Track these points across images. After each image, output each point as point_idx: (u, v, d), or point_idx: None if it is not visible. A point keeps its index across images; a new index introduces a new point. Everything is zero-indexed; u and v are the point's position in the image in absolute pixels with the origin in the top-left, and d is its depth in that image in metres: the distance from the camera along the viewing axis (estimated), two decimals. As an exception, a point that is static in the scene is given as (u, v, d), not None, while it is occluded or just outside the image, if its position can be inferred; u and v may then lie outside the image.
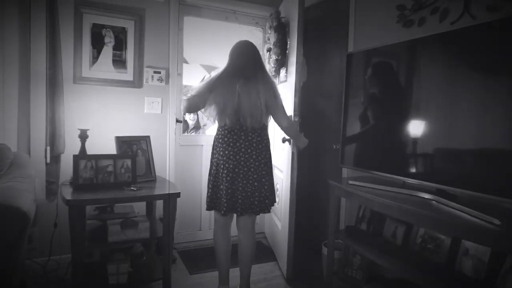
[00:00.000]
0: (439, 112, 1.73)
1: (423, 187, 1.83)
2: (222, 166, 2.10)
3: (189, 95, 2.19)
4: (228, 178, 2.07)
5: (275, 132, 3.09)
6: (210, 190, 2.16)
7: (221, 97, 2.06)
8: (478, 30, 1.54)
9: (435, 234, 1.77)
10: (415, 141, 1.84)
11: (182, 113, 2.51)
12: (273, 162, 2.69)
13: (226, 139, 2.10)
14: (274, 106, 2.11)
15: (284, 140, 2.51)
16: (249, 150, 2.10)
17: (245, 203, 2.09)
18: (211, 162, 2.20)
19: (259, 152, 2.12)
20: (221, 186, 2.10)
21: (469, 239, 1.53)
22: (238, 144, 2.09)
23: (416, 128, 1.83)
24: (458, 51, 1.65)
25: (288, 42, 2.65)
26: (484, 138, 1.53)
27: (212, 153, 2.20)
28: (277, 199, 2.67)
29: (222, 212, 2.10)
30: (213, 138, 2.23)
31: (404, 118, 1.91)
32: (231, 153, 2.08)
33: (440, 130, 1.72)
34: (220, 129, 2.15)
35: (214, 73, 2.22)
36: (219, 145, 2.13)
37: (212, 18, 3.19)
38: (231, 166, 2.08)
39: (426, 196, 1.75)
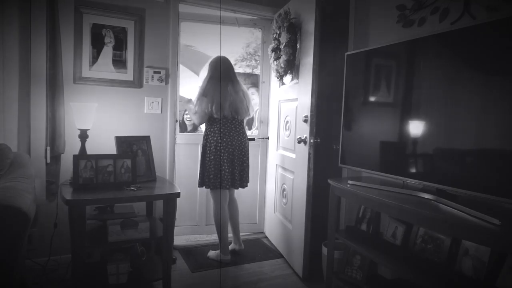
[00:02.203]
0: (439, 112, 1.73)
1: (423, 187, 1.83)
2: (222, 151, 2.66)
3: (192, 107, 2.78)
4: (229, 160, 2.68)
5: (278, 136, 3.11)
6: (212, 173, 2.66)
7: (219, 96, 2.63)
8: (478, 30, 1.54)
9: (435, 234, 1.77)
10: (415, 141, 1.85)
11: (198, 124, 2.87)
12: (278, 163, 3.09)
13: (222, 129, 2.70)
14: (250, 103, 2.84)
15: (299, 141, 2.53)
16: (239, 137, 2.75)
17: (240, 179, 2.75)
18: (209, 150, 2.69)
19: (245, 140, 2.81)
20: (223, 167, 2.65)
21: (469, 239, 1.53)
22: (232, 133, 2.72)
23: (416, 128, 1.83)
24: (458, 51, 1.65)
25: (299, 43, 2.65)
26: (484, 138, 1.53)
27: (207, 142, 2.71)
28: (284, 200, 2.93)
29: (227, 187, 2.69)
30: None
31: (404, 118, 1.91)
32: (229, 139, 2.69)
33: (440, 130, 1.72)
34: (215, 124, 2.70)
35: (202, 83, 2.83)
36: (216, 135, 2.68)
37: (210, 22, 3.23)
38: (230, 150, 2.69)
39: (426, 196, 1.75)
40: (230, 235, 2.89)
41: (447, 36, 1.68)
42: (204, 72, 4.28)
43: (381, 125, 2.07)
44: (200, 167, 2.77)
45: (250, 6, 3.13)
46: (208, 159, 2.69)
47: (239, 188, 2.83)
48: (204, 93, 2.68)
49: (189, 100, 2.91)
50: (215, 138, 2.68)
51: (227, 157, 2.67)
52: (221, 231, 2.73)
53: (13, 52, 2.26)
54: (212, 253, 2.85)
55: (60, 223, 2.45)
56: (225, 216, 2.76)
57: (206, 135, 2.75)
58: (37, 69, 2.36)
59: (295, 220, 2.69)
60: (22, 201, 1.45)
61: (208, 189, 2.79)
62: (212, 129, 2.71)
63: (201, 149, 2.80)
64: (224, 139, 2.68)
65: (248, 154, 2.82)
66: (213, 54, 2.85)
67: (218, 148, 2.66)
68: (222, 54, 2.83)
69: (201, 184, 2.76)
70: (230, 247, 2.90)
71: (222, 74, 2.72)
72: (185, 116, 3.65)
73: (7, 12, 2.21)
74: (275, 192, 3.15)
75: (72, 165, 2.12)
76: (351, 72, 2.27)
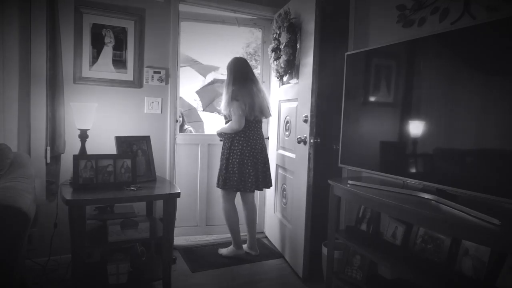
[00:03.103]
0: (439, 112, 1.73)
1: (423, 187, 1.83)
2: (247, 154, 2.67)
3: (225, 115, 2.75)
4: (253, 163, 2.68)
5: (278, 136, 3.11)
6: (236, 176, 2.66)
7: (249, 98, 2.65)
8: (478, 30, 1.54)
9: (435, 234, 1.77)
10: (415, 141, 1.85)
11: (238, 129, 2.66)
12: (278, 163, 3.16)
13: (247, 133, 2.69)
14: (269, 102, 2.85)
15: (299, 141, 2.53)
16: (261, 140, 2.77)
17: (263, 181, 2.75)
18: (234, 153, 2.68)
19: (264, 142, 2.83)
20: (246, 170, 2.67)
21: (469, 239, 1.53)
22: (255, 136, 2.73)
23: (416, 128, 1.83)
24: (458, 51, 1.65)
25: (299, 43, 2.65)
26: (484, 138, 1.53)
27: (232, 145, 2.69)
28: (284, 200, 2.96)
29: (248, 190, 2.70)
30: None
31: (404, 118, 1.91)
32: (253, 143, 2.70)
33: (440, 130, 1.72)
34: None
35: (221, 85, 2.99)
36: (242, 138, 2.68)
37: (210, 22, 3.24)
38: (254, 153, 2.70)
39: (426, 196, 1.75)
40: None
41: (447, 36, 1.68)
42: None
43: (381, 125, 2.07)
44: (223, 169, 2.71)
45: (250, 6, 3.13)
46: (231, 161, 2.68)
47: (263, 189, 2.87)
48: (233, 96, 2.64)
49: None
50: (240, 142, 2.68)
51: (251, 161, 2.68)
52: (234, 227, 2.80)
53: (13, 52, 2.26)
54: (224, 250, 2.87)
55: (60, 223, 2.45)
56: (236, 214, 2.81)
57: (231, 138, 2.70)
58: (37, 69, 2.36)
59: (295, 220, 2.69)
60: (22, 201, 1.45)
61: (219, 190, 2.80)
62: (237, 132, 2.68)
63: (225, 151, 2.73)
64: (250, 143, 2.68)
65: (267, 155, 2.84)
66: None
67: (243, 151, 2.66)
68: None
69: (223, 186, 2.72)
70: (245, 249, 2.89)
71: (244, 76, 2.72)
72: (187, 127, 3.68)
73: (7, 12, 2.21)
74: (275, 192, 3.15)
75: (72, 165, 2.12)
76: (351, 72, 2.27)
